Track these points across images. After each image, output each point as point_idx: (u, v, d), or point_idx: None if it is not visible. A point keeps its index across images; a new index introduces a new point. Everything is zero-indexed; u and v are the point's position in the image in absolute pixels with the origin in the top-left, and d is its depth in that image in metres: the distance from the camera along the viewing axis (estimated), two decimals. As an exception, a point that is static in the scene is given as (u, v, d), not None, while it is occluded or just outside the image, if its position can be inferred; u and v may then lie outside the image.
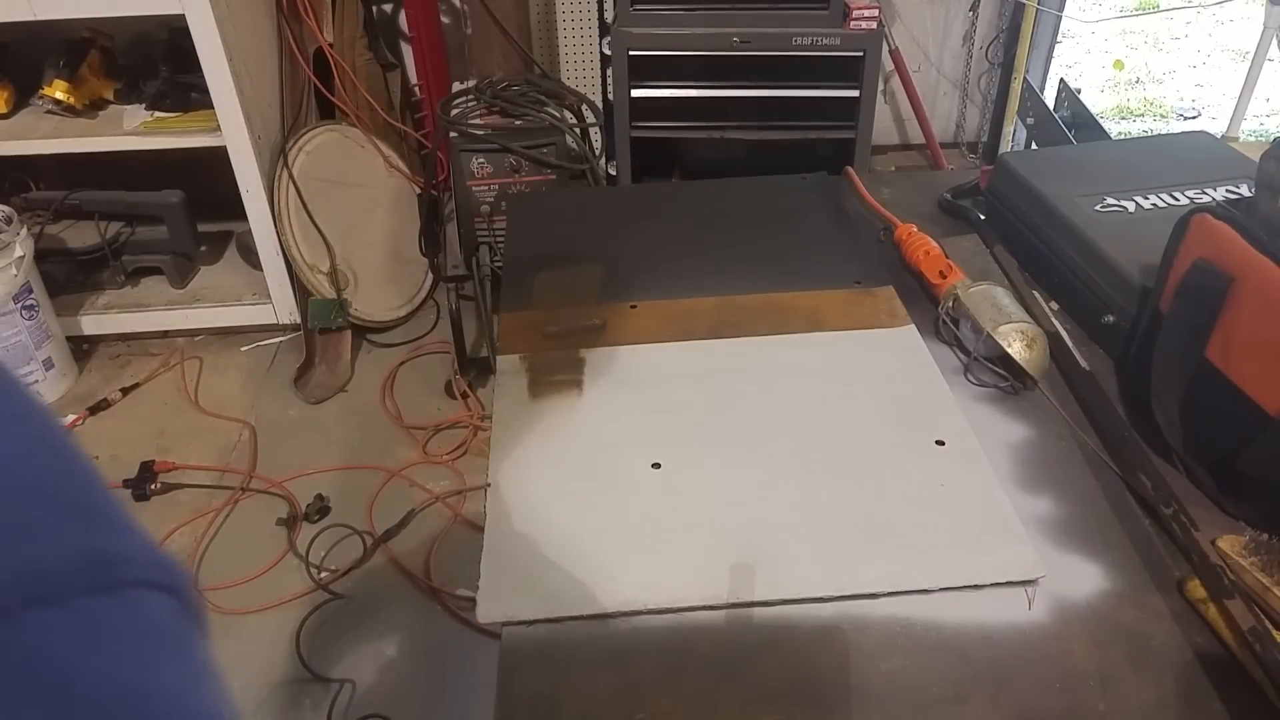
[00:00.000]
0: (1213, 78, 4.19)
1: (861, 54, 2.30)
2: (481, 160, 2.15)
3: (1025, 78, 3.00)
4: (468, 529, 2.00)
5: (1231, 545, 0.75)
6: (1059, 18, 3.05)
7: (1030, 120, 2.82)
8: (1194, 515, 0.78)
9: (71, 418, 2.35)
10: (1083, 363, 0.97)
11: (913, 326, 1.02)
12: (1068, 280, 1.06)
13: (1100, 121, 2.51)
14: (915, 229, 1.16)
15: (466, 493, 2.04)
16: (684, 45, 2.29)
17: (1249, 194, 1.04)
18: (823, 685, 0.68)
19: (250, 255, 2.58)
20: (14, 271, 2.21)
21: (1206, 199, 1.07)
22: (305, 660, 1.74)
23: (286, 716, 1.67)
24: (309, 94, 2.56)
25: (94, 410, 2.37)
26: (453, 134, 2.17)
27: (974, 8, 3.09)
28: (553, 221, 1.26)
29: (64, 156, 2.41)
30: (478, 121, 2.20)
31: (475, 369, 2.31)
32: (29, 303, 2.29)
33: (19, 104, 2.42)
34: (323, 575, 1.91)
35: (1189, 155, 1.18)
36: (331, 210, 2.46)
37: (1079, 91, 2.63)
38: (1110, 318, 0.99)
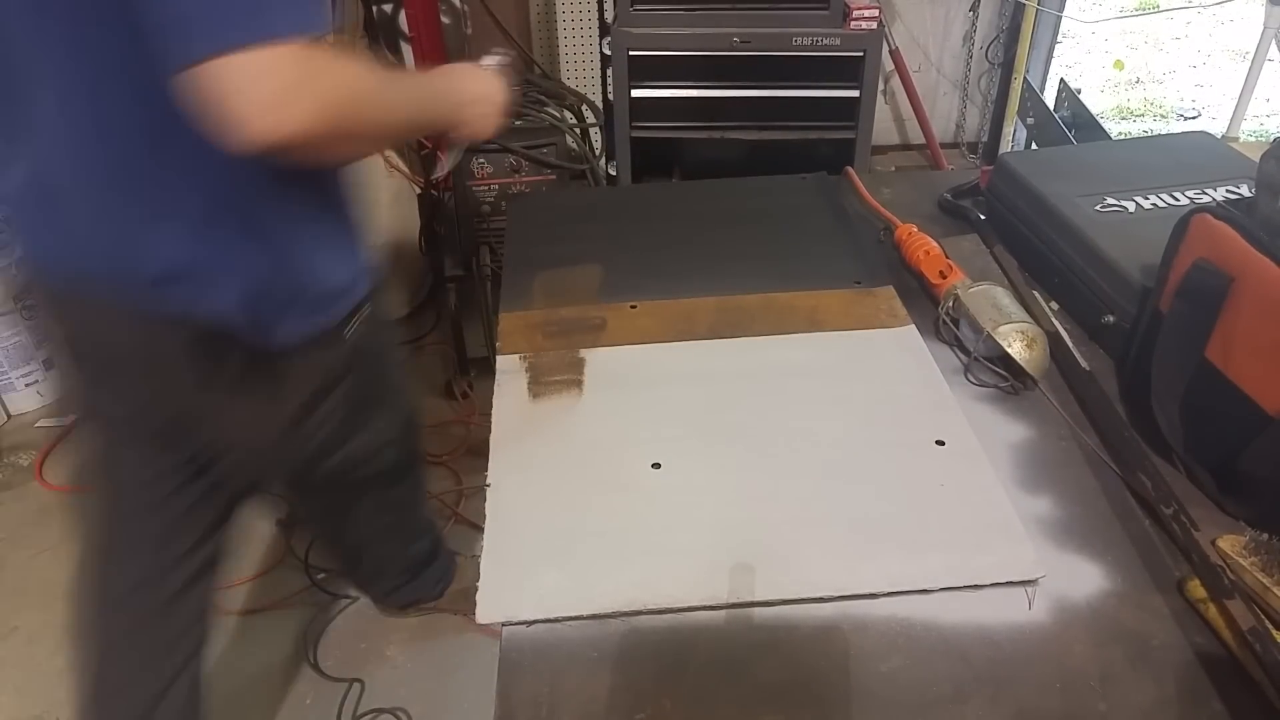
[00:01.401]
0: (1213, 78, 4.19)
1: (861, 54, 2.30)
2: (481, 160, 2.15)
3: (1025, 78, 3.00)
4: (468, 529, 2.00)
5: (1231, 545, 0.75)
6: (1059, 18, 3.05)
7: (1030, 120, 2.82)
8: (1194, 515, 0.78)
9: (72, 417, 2.34)
10: (1083, 363, 0.97)
11: (913, 326, 1.02)
12: (1068, 280, 1.06)
13: (1100, 121, 2.51)
14: (915, 229, 1.16)
15: (466, 493, 2.04)
16: (684, 45, 2.29)
17: (1249, 194, 1.04)
18: (823, 685, 0.68)
19: (250, 255, 2.58)
20: (14, 271, 2.21)
21: (1206, 199, 1.07)
22: (312, 660, 1.74)
23: (288, 715, 1.67)
24: (309, 94, 2.56)
25: (94, 410, 2.37)
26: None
27: (974, 8, 3.09)
28: (553, 221, 1.26)
29: (64, 156, 2.41)
30: (478, 121, 2.19)
31: (475, 369, 2.30)
32: (29, 303, 2.29)
33: (19, 104, 2.42)
34: (321, 575, 1.91)
35: (1189, 155, 1.18)
36: (331, 210, 2.46)
37: (1079, 91, 2.63)
38: (1110, 318, 0.99)
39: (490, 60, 1.15)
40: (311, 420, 1.04)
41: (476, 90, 1.06)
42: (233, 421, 1.03)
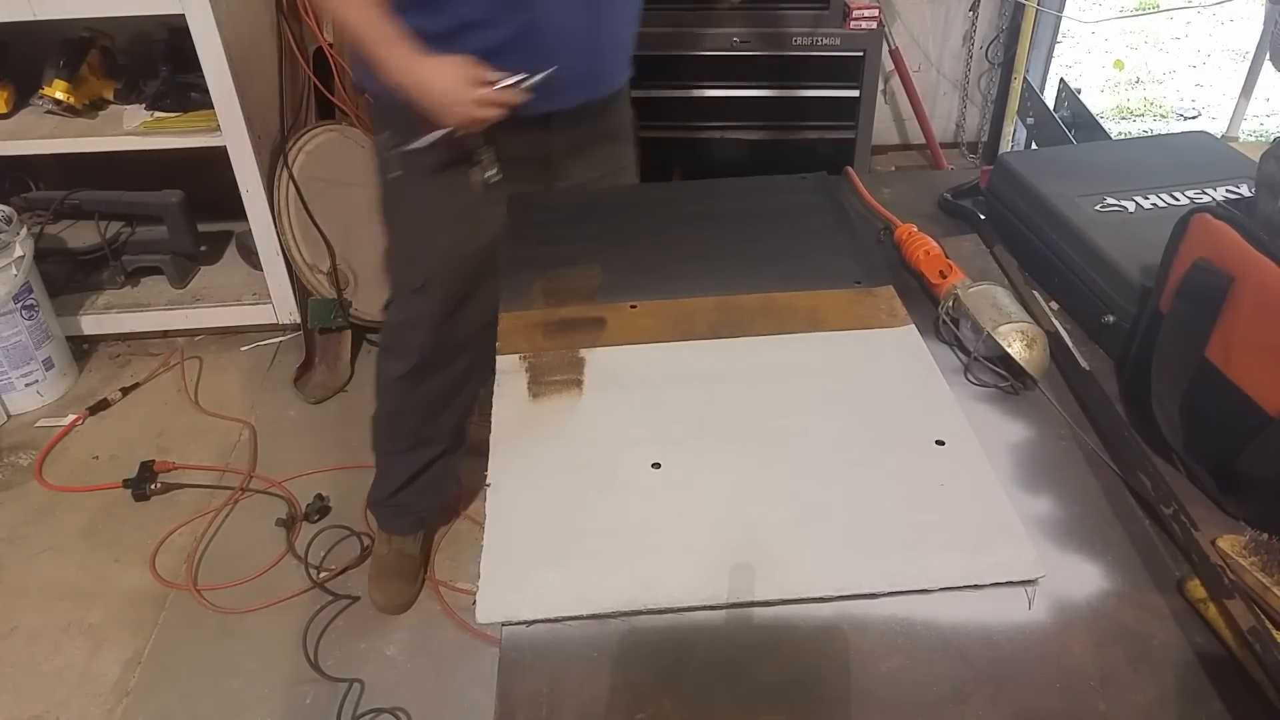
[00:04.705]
0: (1213, 78, 4.19)
1: (861, 54, 2.30)
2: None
3: (1025, 78, 3.00)
4: (468, 528, 2.00)
5: (1231, 545, 0.75)
6: (1059, 18, 3.05)
7: (1030, 120, 2.82)
8: (1194, 515, 0.78)
9: (71, 417, 2.35)
10: (1083, 363, 0.97)
11: (913, 326, 1.02)
12: (1068, 280, 1.06)
13: (1100, 121, 2.51)
14: (915, 229, 1.16)
15: (466, 492, 2.04)
16: (684, 45, 2.30)
17: (1249, 194, 1.04)
18: (823, 685, 0.68)
19: (250, 255, 2.58)
20: (14, 271, 2.21)
21: (1206, 199, 1.07)
22: (312, 660, 1.74)
23: (288, 715, 1.67)
24: (309, 94, 2.56)
25: (94, 410, 2.37)
26: (453, 134, 2.17)
27: (974, 8, 3.09)
28: (553, 221, 1.26)
29: (64, 156, 2.41)
30: (478, 121, 2.19)
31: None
32: (29, 302, 2.29)
33: (19, 104, 2.42)
34: (321, 575, 1.91)
35: (1189, 155, 1.18)
36: (331, 210, 2.46)
37: (1079, 91, 2.63)
38: (1110, 318, 0.99)
39: (507, 80, 1.27)
40: None
41: (437, 87, 1.25)
42: None
